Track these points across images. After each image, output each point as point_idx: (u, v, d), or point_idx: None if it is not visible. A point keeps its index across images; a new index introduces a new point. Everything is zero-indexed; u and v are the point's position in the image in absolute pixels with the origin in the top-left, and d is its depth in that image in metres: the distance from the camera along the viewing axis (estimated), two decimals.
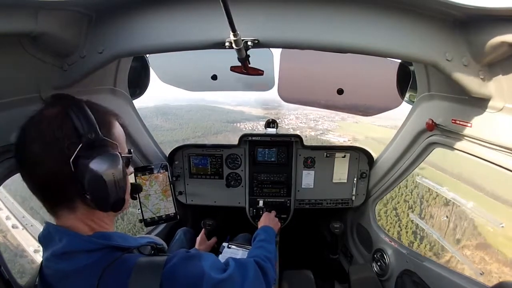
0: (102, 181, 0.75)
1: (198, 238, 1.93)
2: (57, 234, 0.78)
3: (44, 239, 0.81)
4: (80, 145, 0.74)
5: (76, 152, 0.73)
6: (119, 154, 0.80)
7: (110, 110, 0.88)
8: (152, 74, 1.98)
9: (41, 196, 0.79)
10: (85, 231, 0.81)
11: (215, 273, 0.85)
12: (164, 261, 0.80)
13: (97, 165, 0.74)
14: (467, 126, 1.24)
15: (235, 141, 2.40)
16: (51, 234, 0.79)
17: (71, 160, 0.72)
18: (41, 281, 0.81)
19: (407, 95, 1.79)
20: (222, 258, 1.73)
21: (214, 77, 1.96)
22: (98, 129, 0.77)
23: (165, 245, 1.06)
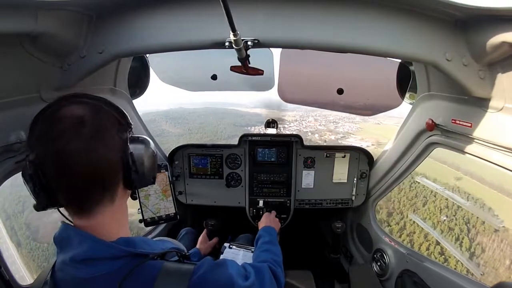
0: (154, 157, 0.89)
1: (200, 238, 1.93)
2: (77, 237, 0.75)
3: (60, 240, 0.78)
4: (127, 132, 0.81)
5: (128, 138, 0.80)
6: None
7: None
8: (152, 74, 1.98)
9: (89, 190, 0.74)
10: (111, 229, 0.80)
11: (242, 281, 0.87)
12: (191, 270, 0.80)
13: (146, 145, 0.85)
14: (467, 126, 1.23)
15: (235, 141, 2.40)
16: (69, 236, 0.76)
17: (128, 145, 0.79)
18: (53, 284, 0.78)
19: (407, 95, 1.79)
20: (223, 258, 1.73)
21: (214, 77, 1.95)
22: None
23: (185, 249, 1.06)
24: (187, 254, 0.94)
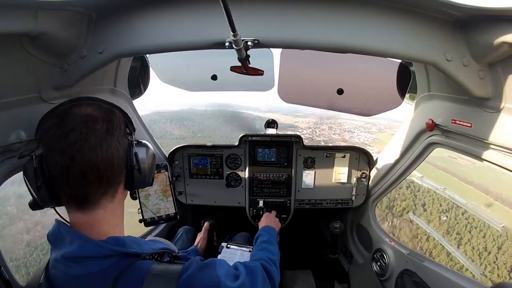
0: (154, 160, 0.96)
1: (198, 237, 1.93)
2: (69, 235, 0.77)
3: (53, 238, 0.80)
4: (133, 135, 0.89)
5: (133, 140, 0.88)
6: None
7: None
8: (152, 74, 1.98)
9: (97, 183, 0.77)
10: (107, 226, 0.82)
11: (230, 282, 0.86)
12: (179, 270, 0.80)
13: (147, 148, 0.92)
14: (467, 126, 1.23)
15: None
16: (62, 234, 0.78)
17: (134, 145, 0.86)
18: (47, 281, 0.80)
19: (407, 95, 1.79)
20: (221, 258, 1.73)
21: (214, 77, 1.96)
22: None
23: (176, 249, 1.06)
24: (178, 254, 0.94)
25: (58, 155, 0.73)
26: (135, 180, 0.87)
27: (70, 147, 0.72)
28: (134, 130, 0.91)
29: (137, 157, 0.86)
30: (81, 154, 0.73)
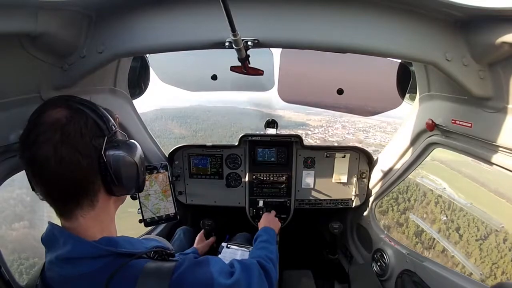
0: (134, 165, 0.84)
1: (197, 238, 1.93)
2: (62, 237, 0.77)
3: (47, 241, 0.80)
4: (106, 138, 0.78)
5: (104, 145, 0.77)
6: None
7: (109, 109, 0.91)
8: (152, 74, 1.98)
9: (63, 196, 0.75)
10: (94, 231, 0.80)
11: (224, 279, 0.86)
12: (172, 268, 0.79)
13: (127, 152, 0.82)
14: (467, 126, 1.24)
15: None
16: (55, 236, 0.78)
17: (102, 152, 0.76)
18: (43, 283, 0.80)
19: (407, 95, 1.79)
20: (221, 258, 1.73)
21: (214, 77, 1.96)
22: (114, 123, 0.85)
23: (171, 247, 1.06)
24: (172, 252, 0.94)
25: (26, 168, 0.75)
26: (112, 187, 0.81)
27: (31, 160, 0.72)
28: (110, 130, 0.81)
29: (107, 164, 0.77)
30: (40, 167, 0.71)
